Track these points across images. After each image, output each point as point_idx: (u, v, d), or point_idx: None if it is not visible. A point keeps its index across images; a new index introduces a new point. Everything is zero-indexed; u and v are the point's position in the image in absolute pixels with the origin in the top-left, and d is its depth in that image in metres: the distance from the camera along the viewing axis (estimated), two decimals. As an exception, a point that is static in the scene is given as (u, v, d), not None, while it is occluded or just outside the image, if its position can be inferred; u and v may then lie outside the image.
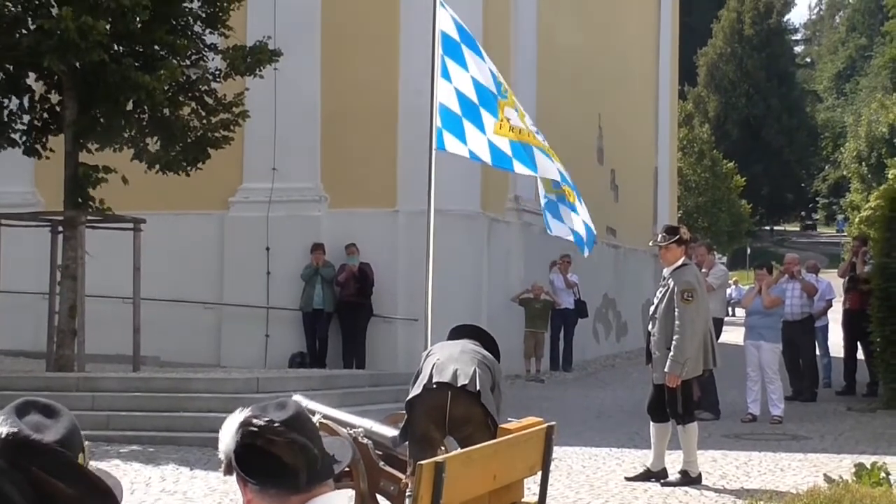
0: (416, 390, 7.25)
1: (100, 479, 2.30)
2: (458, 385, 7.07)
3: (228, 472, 3.05)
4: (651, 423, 10.77)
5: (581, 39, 25.04)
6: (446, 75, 9.31)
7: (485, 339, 7.76)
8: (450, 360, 7.23)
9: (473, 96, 9.33)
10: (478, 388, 7.06)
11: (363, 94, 19.20)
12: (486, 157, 9.30)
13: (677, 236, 10.55)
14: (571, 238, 10.15)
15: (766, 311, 15.02)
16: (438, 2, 9.44)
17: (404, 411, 7.45)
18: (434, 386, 7.13)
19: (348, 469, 7.60)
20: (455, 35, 9.48)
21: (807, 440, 13.24)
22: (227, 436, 3.03)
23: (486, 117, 9.31)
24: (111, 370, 15.76)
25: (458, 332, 7.87)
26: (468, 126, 9.22)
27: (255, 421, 2.96)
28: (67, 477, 2.25)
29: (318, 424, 7.74)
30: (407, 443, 7.42)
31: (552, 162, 9.50)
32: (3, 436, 2.26)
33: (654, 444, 10.72)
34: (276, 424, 2.97)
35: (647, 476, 10.61)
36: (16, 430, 2.29)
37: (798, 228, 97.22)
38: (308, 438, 3.03)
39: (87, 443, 2.47)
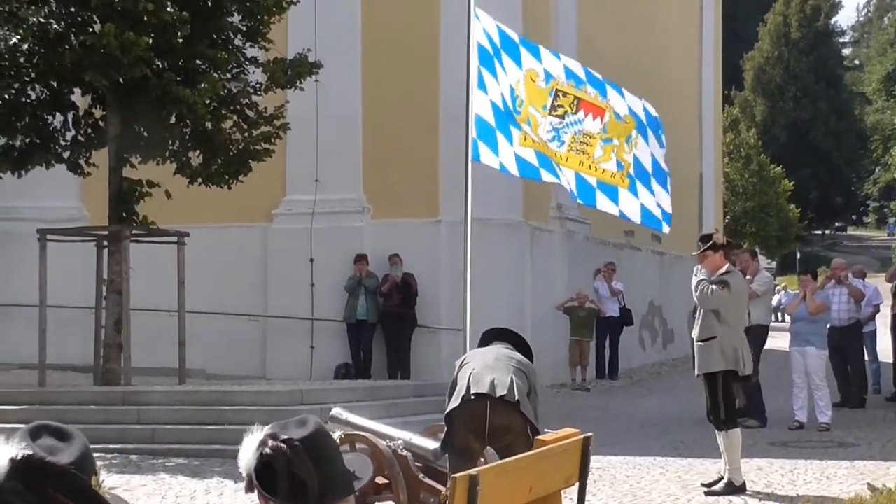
0: (454, 402, 7.21)
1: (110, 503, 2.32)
2: (497, 396, 7.04)
3: (250, 489, 3.06)
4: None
5: (623, 45, 24.94)
6: (482, 86, 9.32)
7: (517, 342, 7.72)
8: (486, 370, 7.19)
9: (507, 107, 9.36)
10: (516, 397, 7.03)
11: (404, 104, 19.24)
12: (514, 168, 9.33)
13: (710, 242, 10.55)
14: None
15: (811, 318, 14.87)
16: (473, 14, 9.44)
17: (443, 423, 7.43)
18: (472, 397, 7.09)
19: (388, 481, 7.61)
20: (488, 47, 9.48)
21: (854, 447, 13.09)
22: (248, 453, 3.04)
23: (514, 130, 9.34)
24: (157, 383, 15.87)
25: (489, 337, 7.83)
26: (500, 138, 9.24)
27: (273, 440, 2.97)
28: (81, 500, 2.27)
29: (339, 440, 7.77)
30: (447, 455, 7.39)
31: (561, 171, 9.54)
32: (18, 458, 2.28)
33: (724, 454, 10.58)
34: (295, 442, 2.97)
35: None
36: (30, 452, 2.31)
37: (850, 232, 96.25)
38: (327, 455, 3.02)
39: (98, 464, 2.49)
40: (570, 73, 10.08)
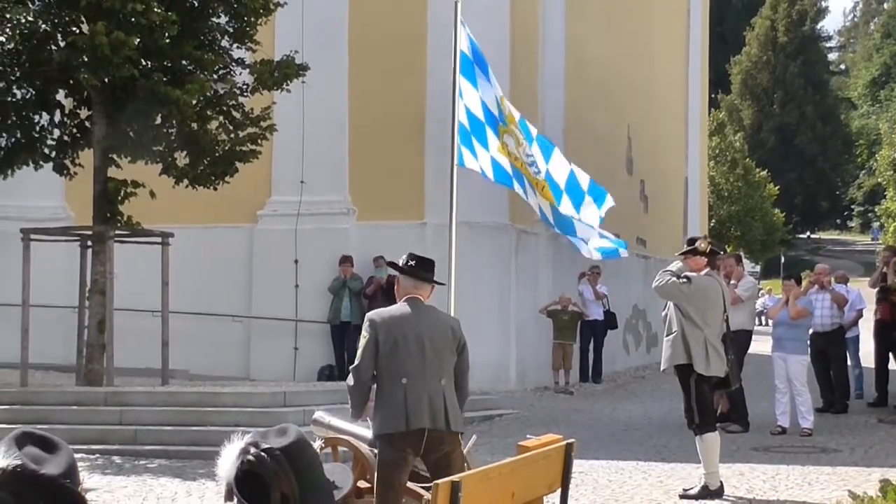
0: (387, 424, 6.78)
1: None
2: (437, 428, 6.76)
3: (229, 498, 3.06)
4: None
5: (610, 50, 25.00)
6: (461, 93, 9.37)
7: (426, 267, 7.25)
8: (420, 381, 6.81)
9: (480, 114, 9.39)
10: (455, 428, 6.85)
11: (390, 106, 19.25)
12: (490, 172, 9.36)
13: (692, 247, 10.61)
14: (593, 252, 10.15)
15: (792, 323, 14.91)
16: (460, 21, 9.46)
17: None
18: (407, 430, 6.73)
19: (370, 485, 7.60)
20: (470, 55, 9.53)
21: (836, 453, 13.13)
22: (228, 462, 3.04)
23: (490, 136, 9.38)
24: (140, 384, 15.84)
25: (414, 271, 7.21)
26: (476, 143, 9.29)
27: (253, 449, 2.97)
28: None
29: (320, 445, 7.73)
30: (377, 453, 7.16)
31: (536, 197, 9.58)
32: (7, 468, 2.26)
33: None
34: (275, 452, 2.97)
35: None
36: (20, 462, 2.28)
37: (834, 236, 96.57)
38: (308, 465, 3.03)
39: (80, 465, 2.47)
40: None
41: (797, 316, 14.88)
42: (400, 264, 7.17)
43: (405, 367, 6.83)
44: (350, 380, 6.99)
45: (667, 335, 10.57)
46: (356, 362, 6.94)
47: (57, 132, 15.98)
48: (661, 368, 10.84)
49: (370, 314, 7.16)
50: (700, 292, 10.42)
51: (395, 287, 7.25)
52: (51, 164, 15.98)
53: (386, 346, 6.85)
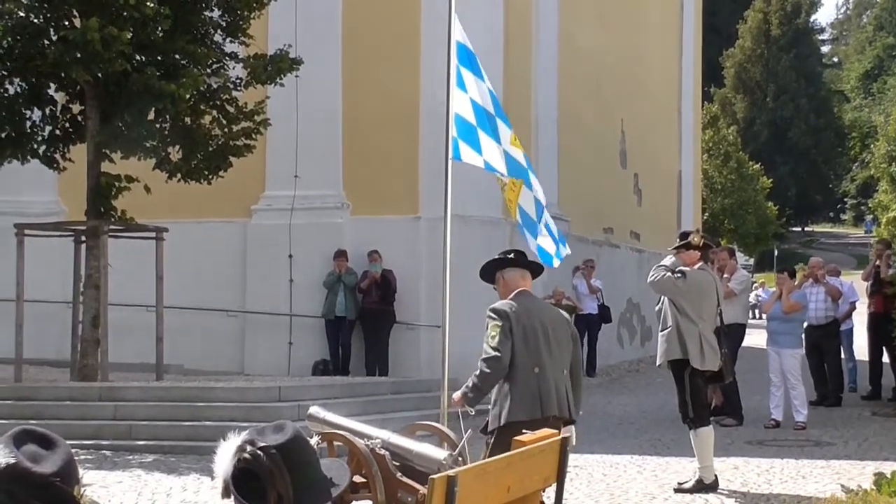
0: (520, 411, 7.20)
1: None
2: (567, 417, 7.42)
3: (226, 495, 3.06)
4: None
5: (603, 43, 24.98)
6: (461, 85, 9.27)
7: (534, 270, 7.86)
8: (551, 370, 7.33)
9: (490, 106, 9.29)
10: (580, 412, 7.52)
11: (385, 100, 19.21)
12: (502, 167, 9.24)
13: (686, 241, 10.62)
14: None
15: (786, 317, 14.94)
16: (454, 12, 9.41)
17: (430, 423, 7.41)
18: (543, 418, 7.13)
19: (365, 480, 7.61)
20: (469, 45, 9.45)
21: (830, 446, 13.16)
22: (225, 459, 3.04)
23: (502, 128, 9.27)
24: (134, 379, 15.82)
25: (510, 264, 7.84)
26: (483, 136, 9.17)
27: (249, 447, 2.97)
28: None
29: (317, 447, 7.76)
30: (442, 458, 7.31)
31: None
32: (2, 466, 2.26)
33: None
34: (272, 449, 2.97)
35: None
36: (13, 460, 2.28)
37: (827, 229, 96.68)
38: (305, 462, 3.03)
39: (81, 472, 2.47)
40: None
41: (790, 310, 14.90)
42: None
43: (536, 358, 7.35)
44: (486, 367, 7.36)
45: (661, 330, 10.59)
46: (493, 353, 7.35)
47: (49, 127, 15.94)
48: (657, 363, 10.86)
49: (499, 306, 7.55)
50: (694, 287, 10.43)
51: (499, 283, 7.75)
52: (39, 159, 15.91)
53: (518, 336, 7.33)
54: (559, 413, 7.27)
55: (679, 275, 10.39)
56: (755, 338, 21.37)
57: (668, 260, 10.62)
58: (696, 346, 10.27)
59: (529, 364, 7.27)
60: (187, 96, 14.67)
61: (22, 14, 14.38)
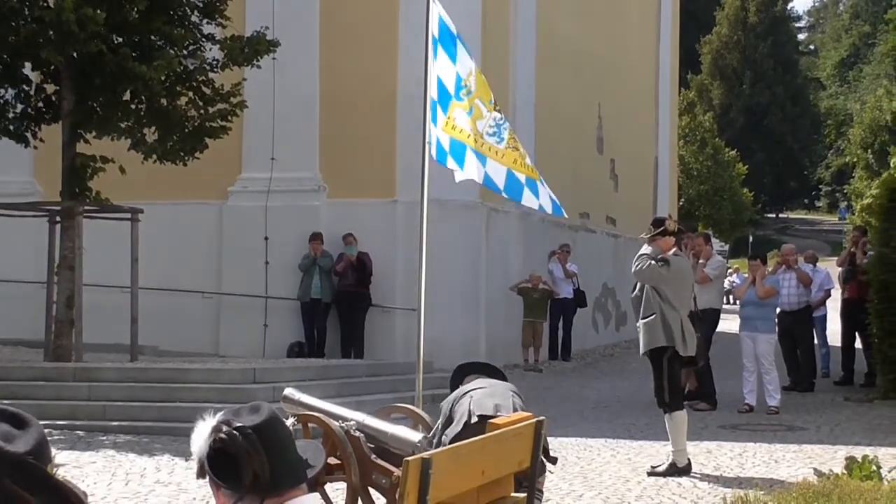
0: (455, 428, 7.23)
1: (71, 490, 2.30)
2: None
3: (202, 475, 3.06)
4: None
5: (581, 28, 25.00)
6: (435, 57, 9.37)
7: (497, 373, 8.01)
8: (486, 396, 7.30)
9: (451, 88, 9.38)
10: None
11: (362, 83, 19.18)
12: (433, 150, 9.36)
13: (662, 227, 10.64)
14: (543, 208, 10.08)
15: (759, 302, 15.01)
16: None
17: (394, 406, 7.46)
18: (475, 420, 7.12)
19: (340, 461, 7.62)
20: (450, 25, 9.48)
21: (803, 431, 13.24)
22: (200, 439, 3.04)
23: (439, 113, 9.35)
24: (109, 360, 15.78)
25: (466, 370, 8.11)
26: (429, 120, 9.31)
27: (225, 427, 2.97)
28: (39, 489, 2.24)
29: (292, 428, 7.79)
30: (416, 441, 7.43)
31: (499, 166, 9.50)
32: (-27, 447, 2.25)
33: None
34: (247, 430, 2.98)
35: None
36: (-15, 441, 2.27)
37: (802, 216, 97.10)
38: (280, 443, 3.03)
39: (54, 452, 2.45)
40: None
41: (765, 295, 14.98)
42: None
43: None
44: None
45: (643, 318, 10.56)
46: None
47: (21, 105, 15.84)
48: (641, 353, 10.80)
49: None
50: (678, 273, 10.51)
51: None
52: (9, 136, 15.81)
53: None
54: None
55: (662, 263, 10.42)
56: (729, 323, 21.48)
57: (648, 248, 10.64)
58: (679, 332, 10.32)
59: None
60: (161, 78, 14.60)
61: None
